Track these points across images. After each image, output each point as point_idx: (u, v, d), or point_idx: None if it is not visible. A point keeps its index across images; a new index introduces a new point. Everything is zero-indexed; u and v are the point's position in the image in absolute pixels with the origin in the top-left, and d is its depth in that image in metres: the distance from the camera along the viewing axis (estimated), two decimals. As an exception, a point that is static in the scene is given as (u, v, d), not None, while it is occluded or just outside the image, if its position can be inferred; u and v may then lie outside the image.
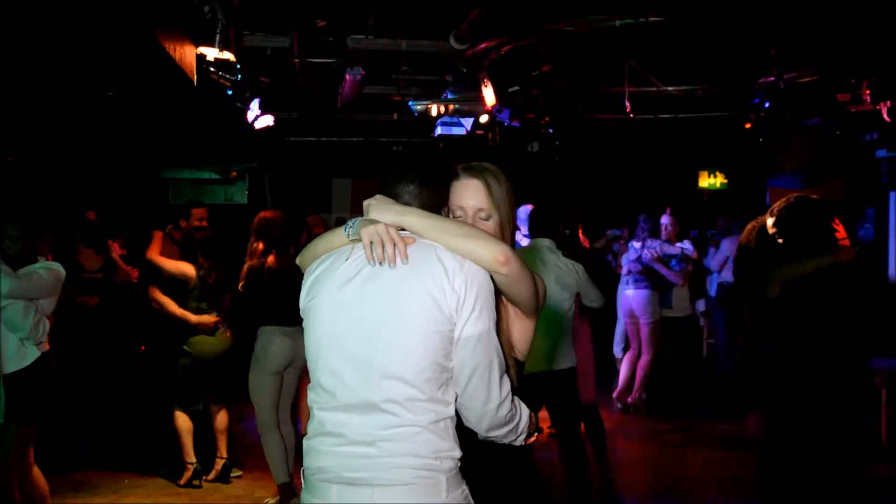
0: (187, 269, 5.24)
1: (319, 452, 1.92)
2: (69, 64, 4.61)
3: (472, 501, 1.92)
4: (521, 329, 2.16)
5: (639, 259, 7.55)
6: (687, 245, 7.61)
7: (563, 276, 4.70)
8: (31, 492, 4.03)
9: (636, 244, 7.71)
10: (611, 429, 6.65)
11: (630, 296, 7.67)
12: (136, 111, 6.26)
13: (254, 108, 7.58)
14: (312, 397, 1.98)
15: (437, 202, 2.11)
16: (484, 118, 7.33)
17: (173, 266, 5.24)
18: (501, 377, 1.91)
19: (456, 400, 1.93)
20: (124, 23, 3.85)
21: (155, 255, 5.25)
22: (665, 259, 7.44)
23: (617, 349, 9.47)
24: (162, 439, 5.53)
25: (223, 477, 5.37)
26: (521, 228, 7.39)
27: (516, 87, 6.43)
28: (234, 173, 11.68)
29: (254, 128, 8.09)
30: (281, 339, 4.82)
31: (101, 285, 6.29)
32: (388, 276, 1.92)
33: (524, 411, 2.02)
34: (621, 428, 7.09)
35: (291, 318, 4.38)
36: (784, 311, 3.63)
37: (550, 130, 8.43)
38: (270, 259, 4.82)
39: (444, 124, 7.63)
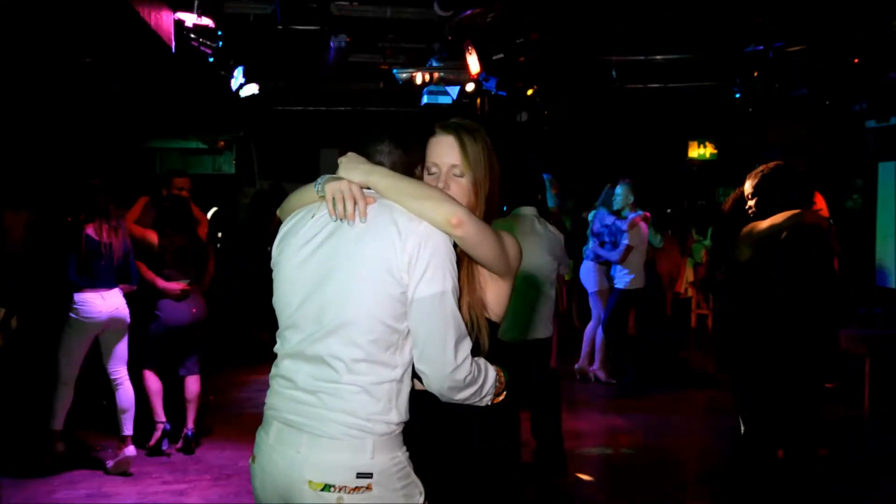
0: (150, 235, 5.22)
1: (273, 391, 2.01)
2: (41, 28, 4.51)
3: (408, 469, 1.93)
4: (495, 290, 2.15)
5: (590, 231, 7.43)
6: (629, 218, 7.09)
7: (549, 245, 4.67)
8: None
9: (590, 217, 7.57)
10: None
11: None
12: (119, 79, 6.16)
13: (237, 75, 7.50)
14: (277, 343, 2.05)
15: (410, 161, 2.10)
16: (470, 87, 7.26)
17: (138, 232, 5.22)
18: (458, 341, 1.90)
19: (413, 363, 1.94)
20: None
21: (127, 221, 5.24)
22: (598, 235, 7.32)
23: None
24: (141, 405, 5.48)
25: (186, 448, 5.35)
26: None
27: (501, 55, 6.36)
28: (222, 143, 11.60)
29: (239, 96, 8.03)
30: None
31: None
32: (347, 235, 1.94)
33: (490, 373, 2.01)
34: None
35: None
36: (750, 273, 3.63)
37: (538, 100, 8.35)
38: None
39: (429, 93, 7.56)
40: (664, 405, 6.74)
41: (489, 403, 2.05)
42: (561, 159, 9.99)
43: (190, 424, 5.39)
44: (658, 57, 7.57)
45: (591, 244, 7.38)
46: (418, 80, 6.99)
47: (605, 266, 7.39)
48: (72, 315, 4.91)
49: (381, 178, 1.98)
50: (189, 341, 5.29)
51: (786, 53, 7.12)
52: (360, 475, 1.85)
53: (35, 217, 6.38)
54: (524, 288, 4.64)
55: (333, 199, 1.95)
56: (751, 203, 3.69)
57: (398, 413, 1.92)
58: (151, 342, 5.26)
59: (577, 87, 8.43)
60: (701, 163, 11.11)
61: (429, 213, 1.91)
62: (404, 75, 7.00)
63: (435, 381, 1.90)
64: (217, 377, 5.61)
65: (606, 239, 7.20)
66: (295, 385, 1.94)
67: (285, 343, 2.01)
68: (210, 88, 7.50)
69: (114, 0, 3.79)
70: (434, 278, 1.88)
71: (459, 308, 1.97)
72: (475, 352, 2.04)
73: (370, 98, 10.10)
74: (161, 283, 5.14)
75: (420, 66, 7.27)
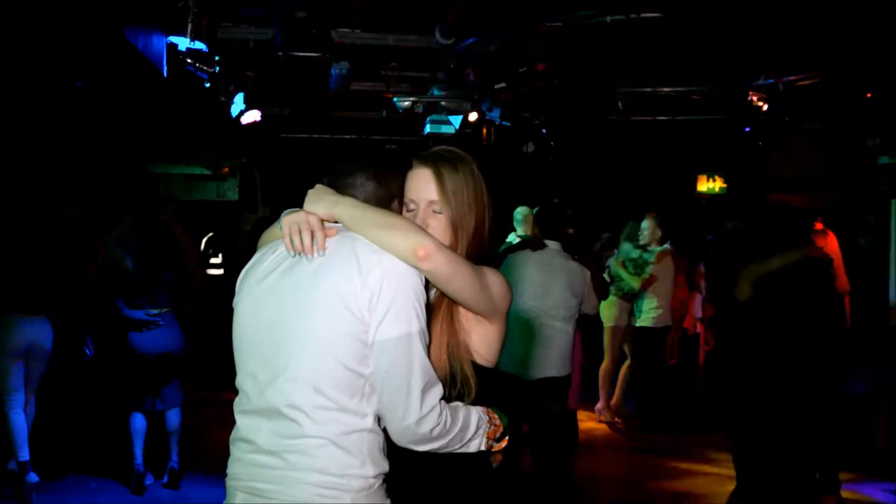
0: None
1: (234, 458, 1.81)
2: (33, 52, 4.42)
3: None
4: (481, 332, 1.94)
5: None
6: (657, 251, 7.18)
7: (574, 281, 4.52)
8: None
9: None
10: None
11: None
12: (112, 103, 6.07)
13: (238, 102, 7.41)
14: (236, 399, 1.85)
15: (384, 194, 1.92)
16: (473, 116, 7.12)
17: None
18: (425, 389, 1.70)
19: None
20: (82, 8, 3.66)
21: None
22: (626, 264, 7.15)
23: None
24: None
25: (172, 483, 5.17)
26: (517, 229, 7.21)
27: (503, 84, 6.23)
28: (226, 169, 11.53)
29: (239, 123, 7.94)
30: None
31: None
32: (304, 270, 1.77)
33: (471, 420, 1.81)
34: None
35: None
36: (753, 312, 3.46)
37: (544, 131, 8.22)
38: None
39: (432, 122, 7.44)
40: (674, 447, 6.52)
41: (482, 448, 1.86)
42: (568, 191, 9.84)
43: (174, 458, 5.21)
44: (665, 89, 7.43)
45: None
46: (419, 109, 6.86)
47: (627, 302, 7.21)
48: None
49: (346, 208, 1.80)
50: (164, 373, 5.10)
51: (796, 87, 6.97)
52: None
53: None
54: (537, 323, 4.50)
55: (290, 232, 1.78)
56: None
57: (374, 465, 1.71)
58: (128, 379, 5.09)
59: (583, 119, 8.32)
60: (710, 197, 10.92)
61: (394, 244, 1.71)
62: (405, 104, 6.88)
63: (396, 432, 1.70)
64: (214, 406, 5.43)
65: (625, 276, 7.02)
66: (256, 447, 1.73)
67: (243, 398, 1.80)
68: (210, 114, 7.42)
69: (98, 22, 3.67)
70: (398, 317, 1.68)
71: (430, 352, 1.76)
72: (460, 399, 1.86)
73: (374, 126, 10.01)
74: (127, 311, 4.96)
75: (423, 94, 7.16)
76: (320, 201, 1.84)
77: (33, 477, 4.97)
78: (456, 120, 7.24)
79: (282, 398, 1.70)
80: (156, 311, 4.98)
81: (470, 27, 5.82)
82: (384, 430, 1.76)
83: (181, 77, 5.23)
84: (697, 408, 7.78)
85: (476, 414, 1.83)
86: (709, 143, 9.66)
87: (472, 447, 1.82)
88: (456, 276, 1.77)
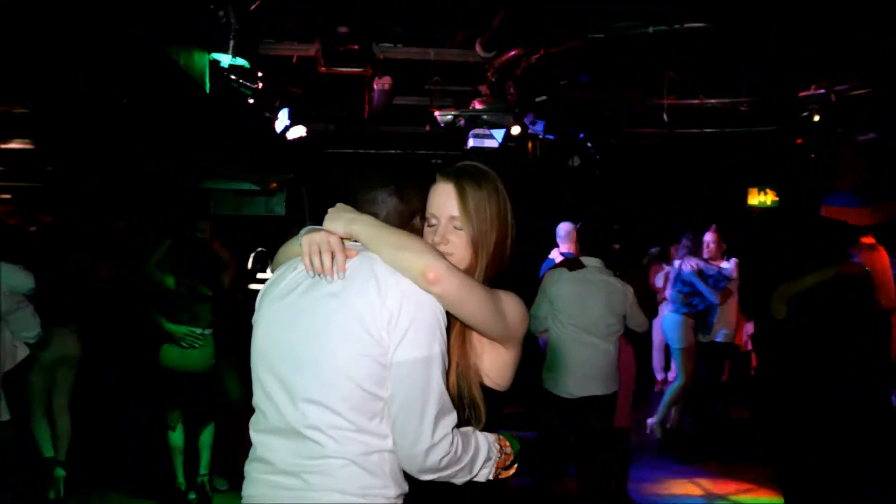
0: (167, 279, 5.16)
1: (250, 479, 1.78)
2: (79, 69, 4.53)
3: None
4: (494, 358, 1.89)
5: (677, 278, 7.16)
6: (728, 265, 7.18)
7: (613, 299, 4.45)
8: None
9: (677, 263, 7.32)
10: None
11: (662, 319, 7.31)
12: (165, 120, 6.19)
13: (283, 117, 7.49)
14: (252, 418, 1.83)
15: (405, 210, 1.91)
16: (516, 130, 7.07)
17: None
18: (439, 416, 1.66)
19: None
20: (123, 25, 3.72)
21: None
22: (704, 276, 7.01)
23: (658, 373, 9.15)
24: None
25: (203, 499, 5.20)
26: (560, 245, 7.13)
27: (544, 97, 6.17)
28: (274, 185, 11.66)
29: (285, 138, 8.02)
30: None
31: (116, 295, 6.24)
32: (323, 290, 1.74)
33: (481, 449, 1.77)
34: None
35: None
36: (789, 331, 3.33)
37: (589, 144, 8.12)
38: None
39: (475, 136, 7.40)
40: (727, 469, 6.37)
41: (490, 478, 1.81)
42: (615, 206, 9.72)
43: (205, 472, 5.25)
44: (713, 101, 7.28)
45: (673, 296, 7.08)
46: (460, 123, 6.84)
47: (692, 319, 7.08)
48: None
49: (364, 227, 1.78)
50: (199, 389, 5.15)
51: (848, 97, 6.76)
52: None
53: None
54: (577, 341, 4.44)
55: (310, 252, 1.76)
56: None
57: (396, 485, 1.69)
58: (165, 394, 5.14)
59: (628, 132, 8.21)
60: (762, 210, 10.65)
61: (404, 265, 1.68)
62: (446, 118, 6.86)
63: (404, 459, 1.66)
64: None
65: (703, 288, 6.86)
66: (274, 468, 1.70)
67: (260, 418, 1.78)
68: (256, 130, 7.51)
69: (136, 38, 3.74)
70: (416, 341, 1.65)
71: (447, 376, 1.74)
72: (467, 425, 1.81)
73: (419, 141, 10.02)
74: (168, 326, 5.02)
75: (465, 108, 7.14)
76: (339, 219, 1.83)
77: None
78: (499, 134, 7.19)
79: (300, 419, 1.68)
80: (199, 331, 5.04)
81: (510, 40, 5.78)
82: None
83: (225, 93, 5.29)
84: (746, 426, 7.58)
85: (487, 443, 1.79)
86: (759, 155, 9.43)
87: (481, 477, 1.78)
88: (468, 300, 1.73)
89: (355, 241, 1.82)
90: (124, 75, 4.42)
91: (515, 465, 1.87)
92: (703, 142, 8.73)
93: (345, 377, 1.66)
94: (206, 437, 5.21)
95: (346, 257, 1.78)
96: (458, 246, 1.90)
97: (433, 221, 1.94)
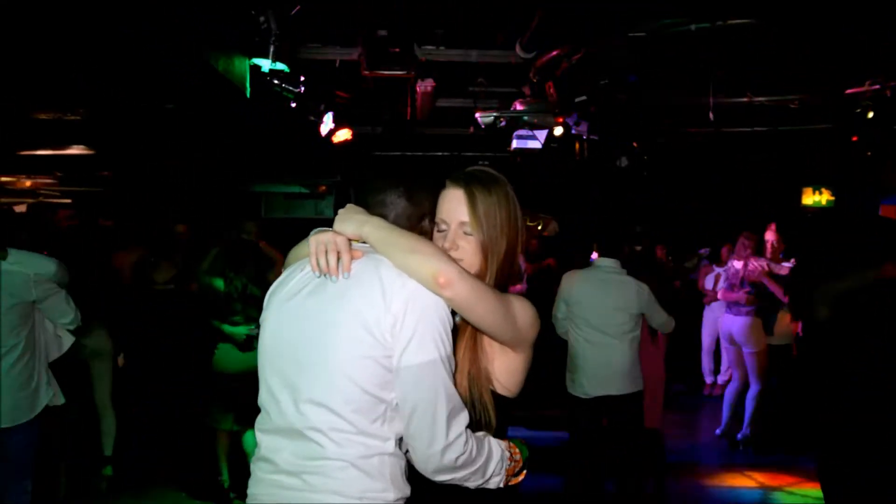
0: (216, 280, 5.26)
1: (255, 478, 1.81)
2: (132, 78, 4.67)
3: None
4: (504, 362, 1.90)
5: (741, 279, 6.88)
6: (788, 265, 6.93)
7: (621, 298, 4.43)
8: None
9: (737, 263, 7.05)
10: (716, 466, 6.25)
11: (729, 322, 7.01)
12: (209, 124, 6.33)
13: (327, 121, 7.57)
14: (258, 417, 1.86)
15: (415, 212, 1.91)
16: (558, 131, 7.02)
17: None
18: (451, 416, 1.66)
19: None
20: (166, 32, 3.82)
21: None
22: (773, 276, 6.76)
23: (707, 376, 8.98)
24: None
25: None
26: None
27: (584, 98, 6.11)
28: (323, 188, 11.80)
29: (331, 141, 8.11)
30: None
31: (172, 296, 6.37)
32: (329, 292, 1.77)
33: (494, 452, 1.77)
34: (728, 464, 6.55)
35: None
36: (830, 334, 3.24)
37: (635, 144, 8.02)
38: None
39: (519, 137, 7.38)
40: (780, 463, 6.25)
41: (500, 486, 1.80)
42: (661, 207, 9.59)
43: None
44: (761, 99, 7.11)
45: (739, 298, 6.84)
46: (501, 124, 6.82)
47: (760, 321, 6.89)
48: None
49: (374, 229, 1.79)
50: (248, 391, 5.22)
51: (905, 93, 6.53)
52: None
53: (142, 257, 6.61)
54: (591, 341, 4.45)
55: (317, 252, 1.79)
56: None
57: (396, 489, 1.70)
58: (218, 397, 5.22)
59: (673, 132, 8.07)
60: (817, 210, 10.37)
61: (414, 269, 1.69)
62: (487, 119, 6.85)
63: (422, 461, 1.67)
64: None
65: (774, 289, 6.66)
66: (277, 468, 1.72)
67: (265, 418, 1.80)
68: (302, 134, 7.61)
69: (176, 44, 3.83)
70: (423, 345, 1.66)
71: (456, 380, 1.74)
72: (478, 429, 1.81)
73: (465, 143, 10.03)
74: (228, 330, 5.12)
75: (508, 109, 7.12)
76: (349, 221, 1.84)
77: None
78: (542, 135, 7.15)
79: (302, 420, 1.70)
80: (257, 331, 5.12)
81: (550, 41, 5.74)
82: (406, 453, 1.74)
83: (267, 98, 5.37)
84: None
85: (500, 449, 1.79)
86: (813, 153, 9.18)
87: (492, 484, 1.78)
88: (478, 304, 1.73)
89: (364, 242, 1.84)
90: (168, 82, 4.53)
91: (524, 472, 1.87)
92: (754, 141, 8.54)
93: (347, 379, 1.67)
94: (252, 439, 5.29)
95: (353, 258, 1.78)
96: (468, 251, 1.91)
97: (443, 227, 1.95)
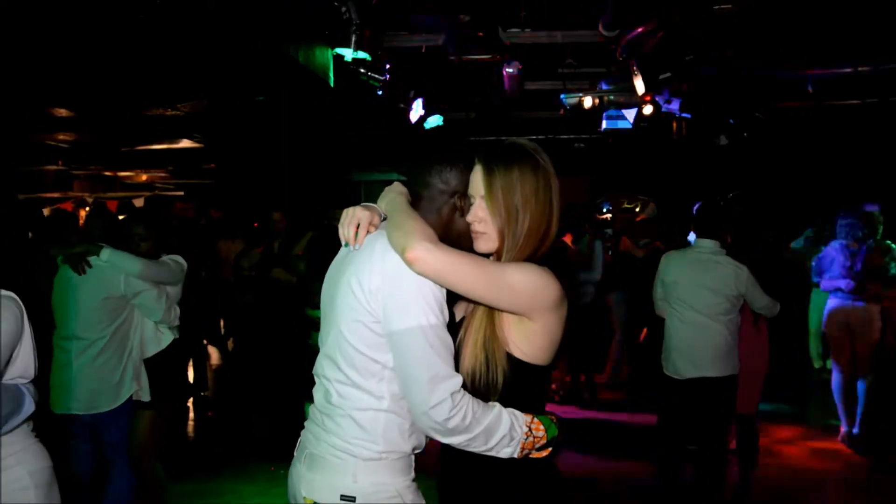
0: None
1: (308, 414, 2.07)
2: (227, 72, 4.91)
3: (402, 501, 1.87)
4: (520, 329, 1.90)
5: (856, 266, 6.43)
6: None
7: (717, 279, 4.33)
8: (149, 478, 4.13)
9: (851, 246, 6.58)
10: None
11: (848, 310, 6.57)
12: (288, 114, 6.57)
13: (416, 107, 7.70)
14: None
15: (446, 190, 1.98)
16: (648, 110, 6.89)
17: None
18: (432, 380, 1.76)
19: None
20: (253, 29, 4.02)
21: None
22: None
23: (815, 361, 8.61)
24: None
25: None
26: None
27: (668, 75, 5.97)
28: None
29: (423, 128, 8.25)
30: None
31: (256, 282, 6.65)
32: (346, 260, 1.96)
33: (499, 425, 1.82)
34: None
35: None
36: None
37: (731, 121, 7.78)
38: None
39: (609, 118, 7.30)
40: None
41: (515, 457, 1.85)
42: (762, 186, 9.24)
43: None
44: (865, 68, 6.76)
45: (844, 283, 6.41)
46: (587, 105, 6.75)
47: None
48: None
49: (386, 206, 1.96)
50: None
51: None
52: (343, 497, 1.85)
53: (246, 247, 6.95)
54: (687, 321, 4.38)
55: (343, 223, 1.97)
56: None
57: (386, 442, 1.86)
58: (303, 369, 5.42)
59: (770, 106, 7.77)
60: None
61: (394, 244, 1.81)
62: (572, 100, 6.80)
63: (416, 418, 1.83)
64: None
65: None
66: (314, 406, 2.01)
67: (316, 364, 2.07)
68: (391, 121, 7.77)
69: (256, 39, 4.01)
70: (403, 312, 1.78)
71: (460, 344, 1.91)
72: (487, 391, 1.89)
73: (557, 126, 9.99)
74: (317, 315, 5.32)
75: (592, 89, 7.05)
76: (383, 198, 2.02)
77: None
78: (630, 114, 7.05)
79: (321, 370, 1.96)
80: None
81: (633, 17, 5.66)
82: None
83: (352, 87, 5.54)
84: None
85: (510, 421, 1.83)
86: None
87: (503, 454, 1.84)
88: (454, 276, 1.77)
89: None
90: (253, 75, 4.74)
91: (549, 448, 1.91)
92: (863, 113, 8.12)
93: (344, 339, 1.88)
94: None
95: (369, 232, 1.94)
96: (490, 225, 1.94)
97: (472, 200, 1.99)
